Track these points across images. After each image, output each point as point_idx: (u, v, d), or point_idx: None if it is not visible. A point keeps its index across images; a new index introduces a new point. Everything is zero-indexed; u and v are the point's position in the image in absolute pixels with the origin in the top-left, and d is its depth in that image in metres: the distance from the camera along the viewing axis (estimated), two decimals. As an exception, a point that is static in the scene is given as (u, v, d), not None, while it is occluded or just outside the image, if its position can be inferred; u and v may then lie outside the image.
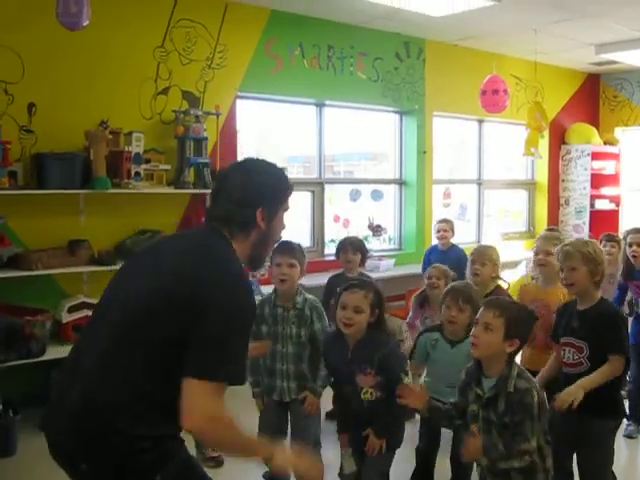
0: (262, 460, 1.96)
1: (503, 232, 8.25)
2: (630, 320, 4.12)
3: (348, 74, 6.33)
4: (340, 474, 3.07)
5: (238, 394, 3.33)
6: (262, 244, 2.04)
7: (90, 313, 4.24)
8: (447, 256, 5.35)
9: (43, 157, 4.37)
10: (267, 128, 6.39)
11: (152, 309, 1.79)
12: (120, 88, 4.90)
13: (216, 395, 1.75)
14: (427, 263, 5.23)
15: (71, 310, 4.43)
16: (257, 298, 3.48)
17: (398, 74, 6.73)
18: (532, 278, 3.96)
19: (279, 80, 5.82)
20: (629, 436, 4.27)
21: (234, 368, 1.80)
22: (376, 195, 6.91)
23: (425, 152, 7.01)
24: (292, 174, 6.48)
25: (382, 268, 6.14)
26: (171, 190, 4.98)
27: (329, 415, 4.07)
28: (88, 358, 1.84)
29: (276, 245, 3.31)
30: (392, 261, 6.40)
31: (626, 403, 3.04)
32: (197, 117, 5.03)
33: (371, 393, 2.84)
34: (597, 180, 8.47)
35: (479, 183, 8.03)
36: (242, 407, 3.49)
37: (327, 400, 3.43)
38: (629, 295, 4.40)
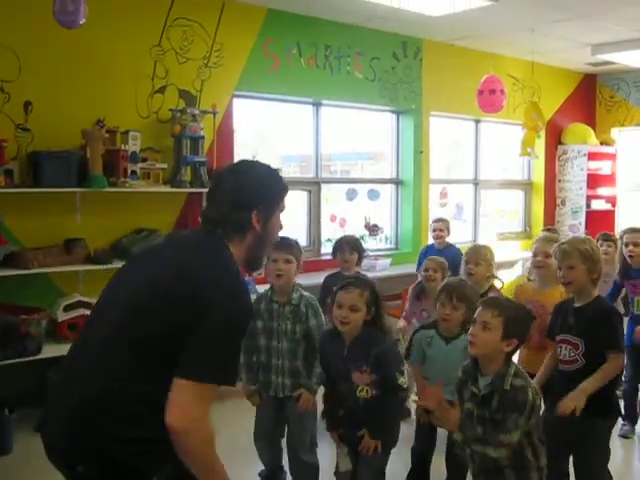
0: None
1: (499, 232, 8.26)
2: (625, 320, 4.13)
3: (345, 73, 6.33)
4: (336, 472, 3.08)
5: (237, 393, 3.36)
6: (259, 246, 2.04)
7: (86, 312, 4.27)
8: (443, 255, 5.29)
9: (39, 155, 4.36)
10: (264, 127, 6.39)
11: (152, 308, 1.79)
12: (117, 87, 4.89)
13: (201, 396, 1.74)
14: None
15: (67, 309, 4.42)
16: (252, 297, 3.52)
17: (395, 74, 6.73)
18: (528, 279, 3.95)
19: (276, 79, 5.82)
20: (624, 436, 4.28)
21: (224, 369, 1.80)
22: (372, 195, 6.91)
23: (422, 152, 7.01)
24: (289, 173, 6.50)
25: (378, 268, 6.15)
26: (167, 189, 4.97)
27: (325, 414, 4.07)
28: (86, 358, 1.84)
29: None
30: (388, 261, 6.40)
31: (621, 403, 3.04)
32: (194, 116, 5.03)
33: (367, 391, 2.85)
34: (593, 180, 8.48)
35: (475, 183, 8.04)
36: (242, 407, 3.51)
37: (324, 399, 3.43)
38: (623, 292, 4.43)
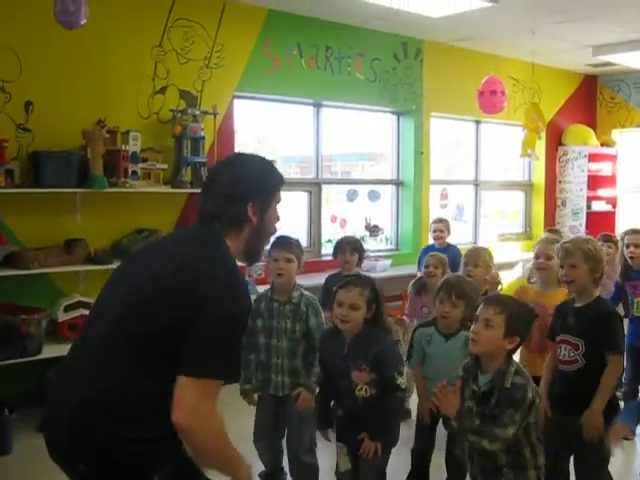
0: None
1: (500, 233, 8.26)
2: (625, 321, 4.13)
3: (346, 74, 6.33)
4: (336, 472, 3.08)
5: (236, 392, 3.37)
6: (256, 238, 2.03)
7: (86, 312, 4.26)
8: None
9: (40, 155, 4.36)
10: (264, 128, 6.39)
11: (153, 303, 1.79)
12: (117, 87, 4.89)
13: (205, 392, 1.74)
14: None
15: (67, 309, 4.43)
16: (252, 297, 3.52)
17: (396, 75, 6.73)
18: (528, 281, 3.94)
19: (277, 80, 5.82)
20: (624, 438, 4.26)
21: (226, 364, 1.80)
22: (373, 195, 6.91)
23: (422, 153, 7.01)
24: (289, 174, 6.50)
25: (379, 268, 6.14)
26: (168, 189, 4.97)
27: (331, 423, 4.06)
28: (85, 358, 1.84)
29: (274, 240, 3.35)
30: (389, 261, 6.40)
31: (621, 404, 3.04)
32: (194, 116, 5.03)
33: (366, 390, 2.84)
34: (594, 181, 8.48)
35: (476, 184, 8.04)
36: (241, 406, 3.51)
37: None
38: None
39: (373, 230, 6.77)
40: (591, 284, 2.96)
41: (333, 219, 6.65)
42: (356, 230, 6.52)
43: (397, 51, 6.73)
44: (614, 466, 3.09)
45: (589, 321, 2.91)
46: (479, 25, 6.23)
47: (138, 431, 1.76)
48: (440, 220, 5.73)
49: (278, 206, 2.09)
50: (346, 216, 6.73)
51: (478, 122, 7.91)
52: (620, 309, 4.39)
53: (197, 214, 2.05)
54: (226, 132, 5.51)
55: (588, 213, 8.37)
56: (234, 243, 1.97)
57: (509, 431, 2.37)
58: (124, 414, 1.75)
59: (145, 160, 4.87)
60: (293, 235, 3.49)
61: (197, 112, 5.08)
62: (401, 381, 2.83)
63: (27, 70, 4.49)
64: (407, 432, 3.41)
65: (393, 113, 7.03)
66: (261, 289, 3.99)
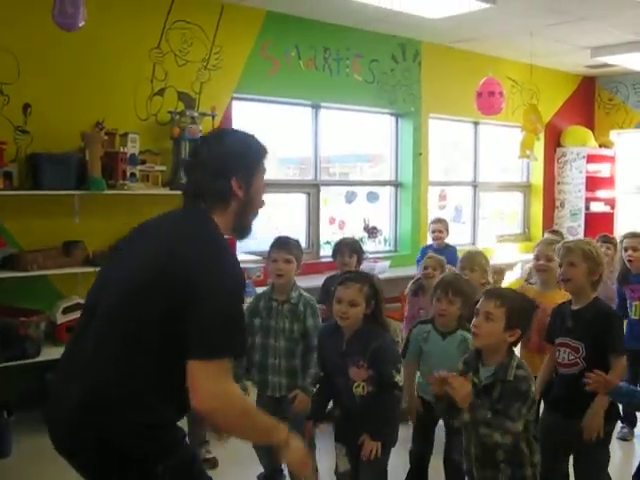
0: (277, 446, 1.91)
1: (498, 234, 8.26)
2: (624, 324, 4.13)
3: (344, 76, 6.34)
4: (336, 472, 3.08)
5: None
6: (244, 213, 2.02)
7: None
8: (442, 255, 5.36)
9: (38, 158, 4.36)
10: (263, 129, 6.37)
11: (147, 288, 1.79)
12: (116, 89, 4.89)
13: (218, 372, 1.73)
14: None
15: (66, 311, 4.42)
16: (252, 298, 3.52)
17: (394, 76, 6.74)
18: (527, 282, 3.94)
19: (275, 81, 5.82)
20: (623, 438, 4.28)
21: (230, 341, 1.78)
22: (371, 197, 6.91)
23: (421, 154, 7.02)
24: (287, 175, 6.50)
25: (377, 270, 6.13)
26: (166, 191, 4.96)
27: (325, 417, 4.06)
28: (81, 355, 1.84)
29: (273, 240, 3.36)
30: (387, 263, 6.40)
31: (620, 406, 3.04)
32: (193, 118, 5.03)
33: (363, 387, 2.83)
34: (592, 183, 8.49)
35: (474, 185, 8.05)
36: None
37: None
38: None
39: (372, 231, 6.77)
40: (588, 286, 2.96)
41: (332, 221, 6.65)
42: (355, 232, 6.52)
43: (395, 52, 6.73)
44: (613, 467, 3.09)
45: (588, 324, 2.90)
46: (477, 27, 6.23)
47: (140, 416, 1.76)
48: (439, 220, 5.74)
49: (264, 177, 2.07)
50: (345, 218, 6.73)
51: (476, 123, 7.92)
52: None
53: (182, 194, 2.05)
54: (224, 134, 5.50)
55: (586, 214, 8.38)
56: (222, 219, 1.96)
57: (518, 425, 2.38)
58: (125, 400, 1.75)
59: (143, 162, 4.87)
60: (292, 236, 3.49)
61: (195, 114, 5.08)
62: (399, 379, 2.82)
63: (25, 72, 4.49)
64: (405, 433, 3.40)
65: (391, 114, 7.04)
66: (260, 290, 3.99)
